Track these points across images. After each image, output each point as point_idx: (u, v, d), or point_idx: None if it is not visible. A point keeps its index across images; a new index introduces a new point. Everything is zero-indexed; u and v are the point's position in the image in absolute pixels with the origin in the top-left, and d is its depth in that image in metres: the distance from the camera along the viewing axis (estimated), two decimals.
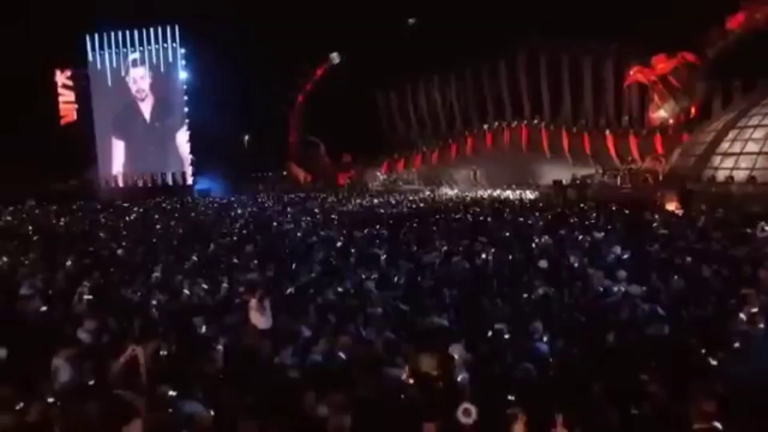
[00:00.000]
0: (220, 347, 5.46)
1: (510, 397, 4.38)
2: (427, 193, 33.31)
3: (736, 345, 5.61)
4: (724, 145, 21.91)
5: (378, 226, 15.53)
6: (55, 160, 34.91)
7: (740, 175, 20.54)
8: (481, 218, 17.71)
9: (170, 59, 38.38)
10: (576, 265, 9.57)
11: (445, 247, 11.34)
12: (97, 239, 15.04)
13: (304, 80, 42.66)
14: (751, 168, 20.56)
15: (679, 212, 18.05)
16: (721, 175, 21.17)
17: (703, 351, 5.49)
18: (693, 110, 30.65)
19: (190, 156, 38.90)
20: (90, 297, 7.64)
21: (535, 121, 36.95)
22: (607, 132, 34.06)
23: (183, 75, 38.57)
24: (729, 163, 21.41)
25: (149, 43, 38.39)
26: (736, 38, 27.91)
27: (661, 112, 31.21)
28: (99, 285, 8.65)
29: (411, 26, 40.12)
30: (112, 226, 18.57)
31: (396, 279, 8.98)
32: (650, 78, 30.79)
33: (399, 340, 6.01)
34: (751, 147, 21.22)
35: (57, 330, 6.47)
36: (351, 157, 44.07)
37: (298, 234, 15.05)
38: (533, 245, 11.67)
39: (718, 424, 3.89)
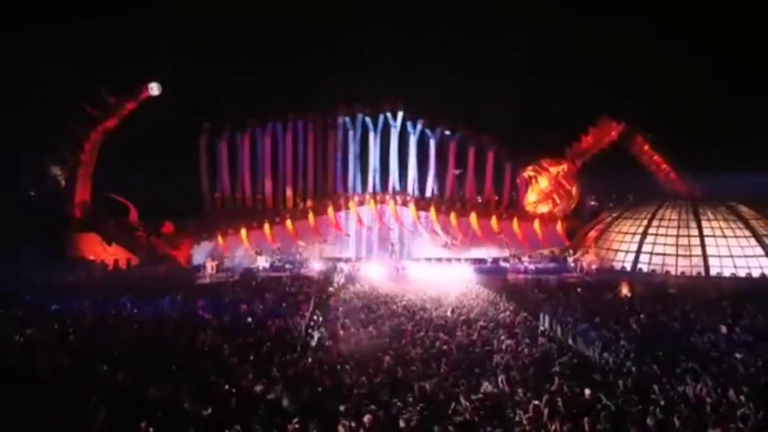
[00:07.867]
0: None
1: None
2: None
3: None
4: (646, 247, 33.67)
5: None
6: None
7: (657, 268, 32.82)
8: None
9: None
10: None
11: None
12: None
13: (104, 114, 33.56)
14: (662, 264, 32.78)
15: (629, 295, 26.40)
16: (645, 268, 33.10)
17: None
18: (572, 206, 40.13)
19: None
20: None
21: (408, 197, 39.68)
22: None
23: None
24: (645, 258, 33.23)
25: None
26: (591, 154, 39.00)
27: (541, 206, 39.41)
28: None
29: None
30: None
31: None
32: (550, 177, 39.11)
33: None
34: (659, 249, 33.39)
35: None
36: (172, 226, 37.22)
37: None
38: None
39: None
